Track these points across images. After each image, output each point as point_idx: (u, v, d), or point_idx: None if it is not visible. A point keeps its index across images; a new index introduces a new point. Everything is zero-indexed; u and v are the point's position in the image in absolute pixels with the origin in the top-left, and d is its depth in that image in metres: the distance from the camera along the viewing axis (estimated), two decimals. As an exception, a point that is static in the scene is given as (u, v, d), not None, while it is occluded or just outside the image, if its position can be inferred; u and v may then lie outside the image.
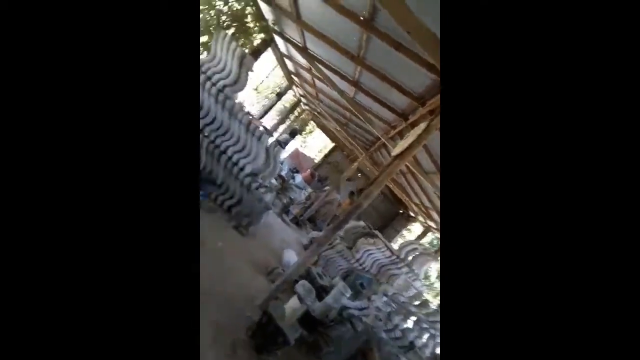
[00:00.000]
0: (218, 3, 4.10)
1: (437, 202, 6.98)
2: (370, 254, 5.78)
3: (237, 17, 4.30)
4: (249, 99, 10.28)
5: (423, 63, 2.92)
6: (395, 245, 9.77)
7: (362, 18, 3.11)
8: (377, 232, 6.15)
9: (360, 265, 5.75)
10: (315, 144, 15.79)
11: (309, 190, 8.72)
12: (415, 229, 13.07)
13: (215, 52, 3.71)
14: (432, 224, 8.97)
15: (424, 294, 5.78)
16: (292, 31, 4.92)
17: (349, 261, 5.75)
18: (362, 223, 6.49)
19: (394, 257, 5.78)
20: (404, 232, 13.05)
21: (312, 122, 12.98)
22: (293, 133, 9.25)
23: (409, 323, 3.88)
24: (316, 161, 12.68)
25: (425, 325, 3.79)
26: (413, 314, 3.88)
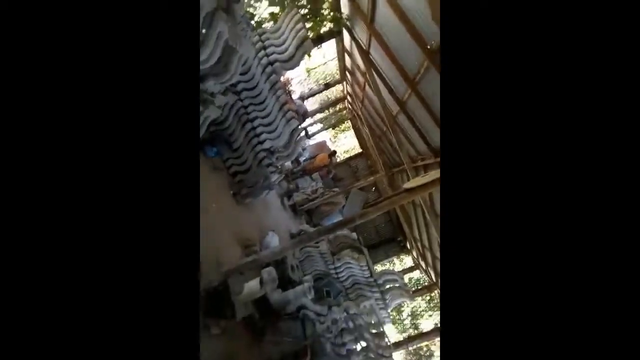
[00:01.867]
0: (300, -18, 4.12)
1: (435, 246, 6.85)
2: (350, 267, 5.78)
3: (314, 1, 4.31)
4: (299, 77, 10.31)
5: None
6: (379, 268, 9.71)
7: (428, 47, 3.05)
8: (364, 249, 6.13)
9: (336, 273, 5.77)
10: (344, 143, 15.73)
11: (320, 184, 8.75)
12: (406, 261, 12.90)
13: (280, 26, 3.75)
14: (422, 263, 8.82)
15: (385, 326, 5.74)
16: (361, 32, 4.88)
17: (327, 265, 5.79)
18: (354, 235, 6.48)
19: (371, 279, 5.76)
20: (395, 259, 12.92)
21: (349, 121, 12.90)
22: (333, 153, 9.12)
23: (358, 346, 3.90)
24: (339, 159, 12.67)
25: (372, 355, 3.80)
26: (365, 339, 3.89)
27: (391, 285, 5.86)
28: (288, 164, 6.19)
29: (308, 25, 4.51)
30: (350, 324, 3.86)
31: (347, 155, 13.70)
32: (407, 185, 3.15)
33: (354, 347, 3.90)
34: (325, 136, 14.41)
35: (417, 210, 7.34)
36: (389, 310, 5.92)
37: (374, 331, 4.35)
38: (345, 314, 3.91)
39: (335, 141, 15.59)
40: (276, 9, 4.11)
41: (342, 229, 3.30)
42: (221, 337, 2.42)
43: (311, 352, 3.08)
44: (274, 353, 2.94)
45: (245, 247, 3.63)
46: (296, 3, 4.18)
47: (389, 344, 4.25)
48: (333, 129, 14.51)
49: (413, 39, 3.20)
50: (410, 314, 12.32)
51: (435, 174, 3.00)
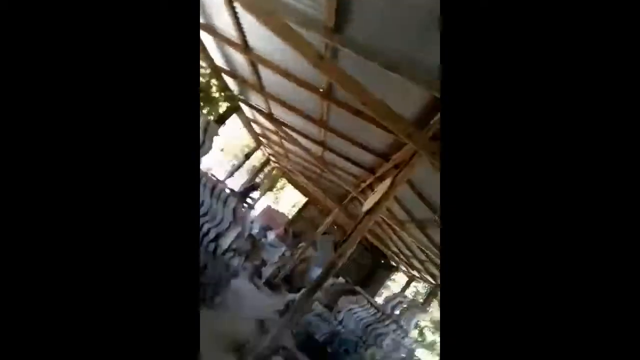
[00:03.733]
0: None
1: (417, 251, 6.97)
2: (354, 313, 5.42)
3: (202, 88, 4.53)
4: (216, 159, 10.33)
5: (382, 126, 3.16)
6: (380, 300, 9.34)
7: (321, 90, 3.40)
8: (358, 288, 5.88)
9: (343, 327, 5.33)
10: (287, 200, 15.76)
11: (284, 248, 8.39)
12: (399, 279, 12.75)
13: (180, 122, 3.78)
14: (414, 272, 8.81)
15: (416, 353, 5.38)
16: (257, 99, 5.23)
17: (331, 323, 5.33)
18: (341, 279, 6.22)
19: (379, 314, 5.46)
20: (389, 283, 12.65)
21: (283, 178, 13.14)
22: (254, 187, 9.21)
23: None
24: (290, 217, 12.51)
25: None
26: (404, 379, 3.53)
27: (400, 309, 5.64)
28: (244, 242, 5.84)
29: (205, 111, 4.66)
30: (384, 372, 3.50)
31: (295, 209, 13.66)
32: (365, 207, 3.23)
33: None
34: (267, 201, 14.28)
35: (382, 227, 7.51)
36: (410, 335, 5.60)
37: (408, 365, 4.01)
38: (373, 364, 3.55)
39: (277, 201, 15.53)
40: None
41: (328, 278, 3.13)
42: None
43: None
44: None
45: (236, 349, 3.13)
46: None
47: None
48: (271, 190, 14.53)
49: (304, 89, 3.54)
50: (431, 326, 11.87)
51: (382, 187, 3.16)
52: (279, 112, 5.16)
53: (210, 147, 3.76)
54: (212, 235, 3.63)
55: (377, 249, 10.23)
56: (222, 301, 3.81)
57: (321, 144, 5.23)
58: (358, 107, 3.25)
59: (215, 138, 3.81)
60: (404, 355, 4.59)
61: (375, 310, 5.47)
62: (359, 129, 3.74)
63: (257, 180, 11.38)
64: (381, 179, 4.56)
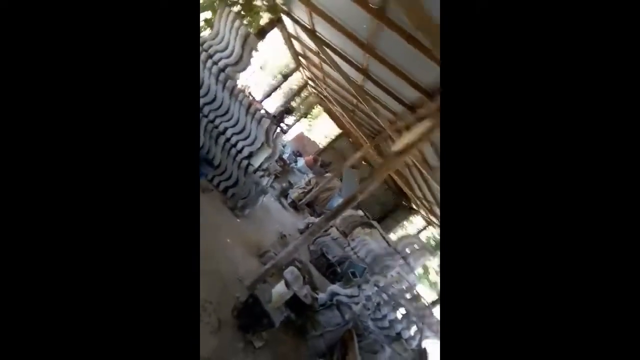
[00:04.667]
0: (224, -22, 3.95)
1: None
2: (366, 243, 5.82)
3: (243, -5, 4.16)
4: (254, 78, 10.10)
5: (434, 57, 2.81)
6: (394, 237, 9.82)
7: (371, 5, 2.98)
8: (374, 222, 6.17)
9: (355, 253, 5.81)
10: (321, 129, 15.63)
11: (311, 175, 8.70)
12: (417, 221, 13.10)
13: (218, 30, 3.61)
14: (433, 218, 8.95)
15: (417, 288, 5.85)
16: (301, 12, 4.75)
17: (344, 249, 5.81)
18: (360, 212, 6.51)
19: (390, 248, 5.82)
20: (405, 223, 13.08)
21: (318, 105, 12.79)
22: (288, 111, 9.14)
23: (398, 314, 3.95)
24: (321, 146, 12.60)
25: (413, 318, 3.86)
26: (402, 306, 3.94)
27: (411, 249, 5.94)
28: (274, 164, 6.12)
29: (245, 21, 4.37)
30: (384, 296, 3.90)
31: (327, 140, 13.63)
32: (395, 147, 3.13)
33: (395, 316, 3.95)
34: (300, 127, 14.27)
35: (412, 170, 7.39)
36: (416, 273, 6.02)
37: (408, 296, 4.42)
38: (376, 288, 3.94)
39: (310, 129, 15.48)
40: (208, 14, 3.95)
41: (347, 209, 3.28)
42: (266, 348, 2.40)
43: (356, 333, 3.11)
44: (320, 346, 2.95)
45: (260, 255, 3.59)
46: (227, 2, 4.03)
47: (426, 303, 4.32)
48: (305, 117, 14.38)
49: (355, 2, 3.11)
50: (438, 269, 12.57)
51: (418, 128, 2.99)
52: (322, 29, 4.71)
53: (248, 62, 3.64)
54: (245, 152, 3.80)
55: (400, 189, 10.29)
56: (251, 213, 4.21)
57: (363, 71, 4.85)
58: (411, 30, 2.85)
59: (254, 53, 3.65)
60: (404, 287, 5.02)
61: (387, 245, 5.82)
62: (409, 58, 3.35)
63: (293, 104, 11.21)
64: (421, 119, 4.29)
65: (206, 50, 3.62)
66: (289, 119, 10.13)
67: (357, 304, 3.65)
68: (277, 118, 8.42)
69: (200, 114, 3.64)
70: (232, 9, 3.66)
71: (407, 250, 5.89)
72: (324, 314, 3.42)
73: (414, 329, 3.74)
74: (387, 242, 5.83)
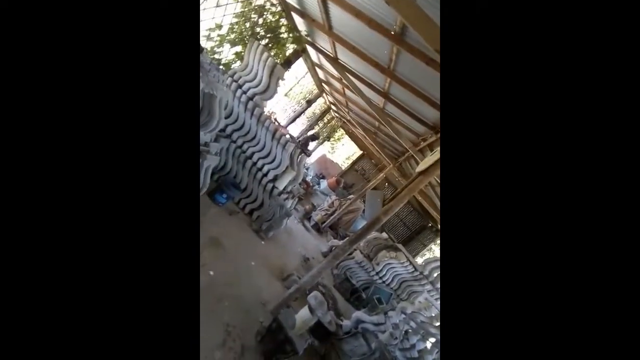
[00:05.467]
0: (253, 15, 4.28)
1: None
2: (392, 267, 5.62)
3: (271, 29, 4.47)
4: (280, 104, 10.54)
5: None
6: (420, 260, 9.42)
7: (392, 33, 3.09)
8: (400, 245, 5.98)
9: (380, 278, 5.61)
10: (343, 151, 15.78)
11: (334, 197, 8.71)
12: (444, 244, 12.49)
13: (248, 62, 3.87)
14: (460, 241, 8.50)
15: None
16: (324, 42, 5.00)
17: (369, 273, 5.64)
18: (384, 235, 6.35)
19: (416, 272, 5.58)
20: (432, 246, 12.56)
21: (341, 129, 13.00)
22: (313, 137, 9.37)
23: (428, 344, 3.71)
24: (343, 168, 12.66)
25: (444, 349, 3.60)
26: (432, 334, 3.70)
27: (438, 272, 5.65)
28: (298, 186, 6.22)
29: (272, 52, 4.65)
30: (412, 324, 3.69)
31: (349, 161, 13.70)
32: (420, 168, 3.10)
33: (424, 345, 3.71)
34: (323, 150, 14.50)
35: (436, 190, 7.19)
36: (445, 298, 5.67)
37: (437, 323, 4.15)
38: (403, 315, 3.76)
39: (333, 152, 15.66)
40: (239, 48, 4.27)
41: (371, 232, 3.23)
42: (289, 376, 2.34)
43: (383, 364, 2.94)
44: (346, 377, 2.81)
45: (284, 279, 3.57)
46: (256, 36, 4.33)
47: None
48: (328, 140, 14.63)
49: (375, 30, 3.25)
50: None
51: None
52: (344, 57, 4.91)
53: (275, 91, 3.84)
54: (270, 176, 3.92)
55: (426, 211, 9.97)
56: (275, 236, 4.26)
57: (384, 94, 4.94)
58: (430, 53, 2.91)
59: (280, 82, 3.86)
60: (433, 314, 4.73)
61: (413, 269, 5.59)
62: (428, 80, 3.40)
63: (317, 128, 11.49)
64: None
65: (236, 81, 3.88)
66: (314, 144, 10.36)
67: (383, 332, 3.49)
68: (303, 143, 8.65)
69: (229, 140, 3.83)
70: (260, 42, 3.93)
71: (435, 275, 5.61)
72: (348, 342, 3.29)
73: None
74: (414, 265, 5.60)
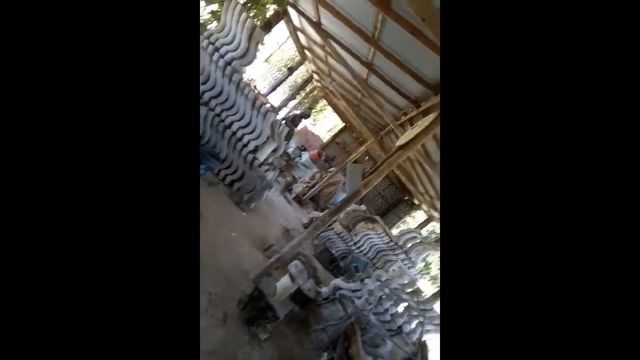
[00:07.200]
0: (230, -30, 3.90)
1: (442, 193, 6.91)
2: (369, 238, 5.86)
3: (250, -14, 4.12)
4: (260, 71, 10.04)
5: (439, 51, 2.78)
6: (395, 232, 9.85)
7: (378, -3, 2.95)
8: (377, 217, 6.18)
9: (358, 248, 5.85)
10: (325, 124, 15.57)
11: (315, 169, 8.72)
12: (418, 216, 13.10)
13: (225, 22, 3.59)
14: (435, 213, 8.95)
15: (418, 283, 5.89)
16: (307, 4, 4.71)
17: (347, 243, 5.85)
18: (363, 207, 6.52)
19: (392, 243, 5.85)
20: (407, 218, 13.12)
21: (323, 99, 12.71)
22: (303, 115, 9.15)
23: (400, 308, 3.99)
24: (324, 140, 12.58)
25: (415, 312, 3.90)
26: (404, 300, 3.98)
27: (413, 243, 5.97)
28: (279, 158, 6.13)
29: (252, 13, 4.33)
30: (386, 290, 3.93)
31: (331, 134, 13.59)
32: (400, 142, 3.12)
33: (396, 310, 3.99)
34: (305, 121, 14.22)
35: (414, 165, 7.37)
36: (417, 267, 6.05)
37: (409, 290, 4.45)
38: (378, 282, 3.98)
39: (315, 124, 15.43)
40: (214, 6, 3.93)
41: (350, 204, 3.29)
42: (270, 340, 2.45)
43: (358, 327, 3.15)
44: (323, 339, 3.00)
45: (265, 249, 3.63)
46: (233, -6, 3.98)
47: (427, 297, 4.35)
48: (310, 111, 14.31)
49: (361, -5, 3.08)
50: (438, 263, 12.63)
51: (422, 123, 2.98)
52: (328, 22, 4.67)
53: (254, 56, 3.62)
54: (251, 146, 3.81)
55: (403, 185, 10.28)
56: (256, 207, 4.24)
57: (368, 65, 4.81)
58: (417, 23, 2.83)
59: (260, 46, 3.63)
60: (406, 282, 5.06)
61: (389, 240, 5.86)
62: (412, 52, 3.33)
63: (298, 98, 11.16)
64: (425, 113, 4.27)
65: (213, 43, 3.61)
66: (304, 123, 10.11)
67: (359, 298, 3.70)
68: (293, 120, 8.41)
69: (207, 107, 3.64)
70: (238, 1, 3.63)
71: (409, 245, 5.92)
72: (327, 307, 3.47)
73: (415, 322, 3.79)
74: (390, 236, 5.86)
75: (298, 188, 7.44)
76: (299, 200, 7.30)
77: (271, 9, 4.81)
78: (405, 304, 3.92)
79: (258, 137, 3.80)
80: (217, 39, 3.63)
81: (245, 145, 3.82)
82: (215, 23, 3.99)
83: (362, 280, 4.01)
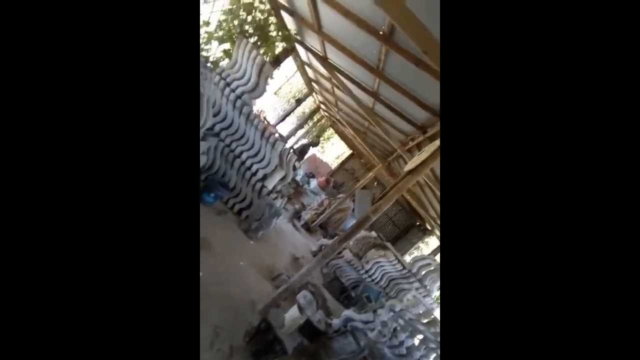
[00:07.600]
0: (242, 13, 4.23)
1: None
2: (380, 266, 5.68)
3: (260, 27, 4.43)
4: (269, 103, 10.47)
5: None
6: (408, 258, 9.55)
7: (381, 33, 3.12)
8: (388, 244, 6.04)
9: (370, 276, 5.66)
10: (333, 151, 15.82)
11: (324, 196, 8.72)
12: (432, 242, 12.73)
13: (236, 59, 3.83)
14: (448, 239, 8.66)
15: (435, 312, 5.59)
16: (314, 41, 5.00)
17: (358, 271, 5.68)
18: (373, 234, 6.41)
19: (405, 270, 5.65)
20: (420, 244, 12.74)
21: (330, 128, 13.02)
22: (312, 144, 9.38)
23: (416, 341, 3.76)
24: (333, 167, 12.70)
25: (432, 345, 3.66)
26: (420, 331, 3.76)
27: (427, 270, 5.75)
28: (287, 186, 6.19)
29: (261, 50, 4.61)
30: (401, 321, 3.74)
31: (339, 161, 13.74)
32: (408, 167, 3.14)
33: (412, 342, 3.76)
34: (313, 149, 14.49)
35: (424, 190, 7.30)
36: (433, 296, 5.78)
37: (425, 320, 4.22)
38: (392, 313, 3.80)
39: (322, 151, 15.67)
40: (227, 45, 4.21)
41: (360, 231, 3.25)
42: (279, 376, 2.33)
43: (372, 361, 2.97)
44: (335, 375, 2.83)
45: (273, 279, 3.56)
46: (245, 34, 4.28)
47: (444, 328, 4.11)
48: (317, 139, 14.61)
49: (364, 30, 3.27)
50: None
51: (430, 147, 3.00)
52: (334, 56, 4.92)
53: (264, 89, 3.81)
54: (259, 175, 3.88)
55: (414, 210, 10.11)
56: (264, 235, 4.23)
57: (373, 94, 4.97)
58: (419, 55, 2.95)
59: (269, 80, 3.83)
60: (421, 312, 4.81)
61: (402, 267, 5.66)
62: (416, 81, 3.45)
63: (306, 127, 11.46)
64: (432, 138, 4.31)
65: (224, 79, 3.82)
66: (311, 150, 10.36)
67: (372, 330, 3.52)
68: (301, 150, 8.62)
69: (217, 138, 3.78)
70: (249, 39, 3.89)
71: (422, 272, 5.69)
72: (338, 340, 3.30)
73: (433, 356, 3.55)
74: (402, 264, 5.67)
75: (307, 215, 7.42)
76: (307, 227, 7.24)
77: (280, 46, 5.12)
78: (422, 335, 3.70)
79: (267, 165, 3.88)
80: (229, 75, 3.85)
81: (254, 174, 3.90)
82: (227, 61, 4.26)
83: (374, 311, 3.83)
